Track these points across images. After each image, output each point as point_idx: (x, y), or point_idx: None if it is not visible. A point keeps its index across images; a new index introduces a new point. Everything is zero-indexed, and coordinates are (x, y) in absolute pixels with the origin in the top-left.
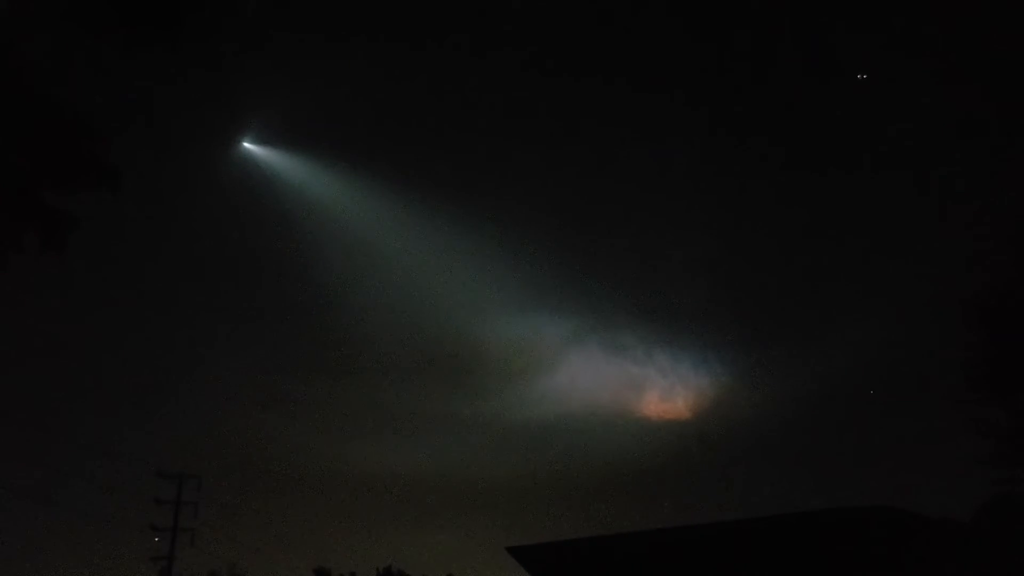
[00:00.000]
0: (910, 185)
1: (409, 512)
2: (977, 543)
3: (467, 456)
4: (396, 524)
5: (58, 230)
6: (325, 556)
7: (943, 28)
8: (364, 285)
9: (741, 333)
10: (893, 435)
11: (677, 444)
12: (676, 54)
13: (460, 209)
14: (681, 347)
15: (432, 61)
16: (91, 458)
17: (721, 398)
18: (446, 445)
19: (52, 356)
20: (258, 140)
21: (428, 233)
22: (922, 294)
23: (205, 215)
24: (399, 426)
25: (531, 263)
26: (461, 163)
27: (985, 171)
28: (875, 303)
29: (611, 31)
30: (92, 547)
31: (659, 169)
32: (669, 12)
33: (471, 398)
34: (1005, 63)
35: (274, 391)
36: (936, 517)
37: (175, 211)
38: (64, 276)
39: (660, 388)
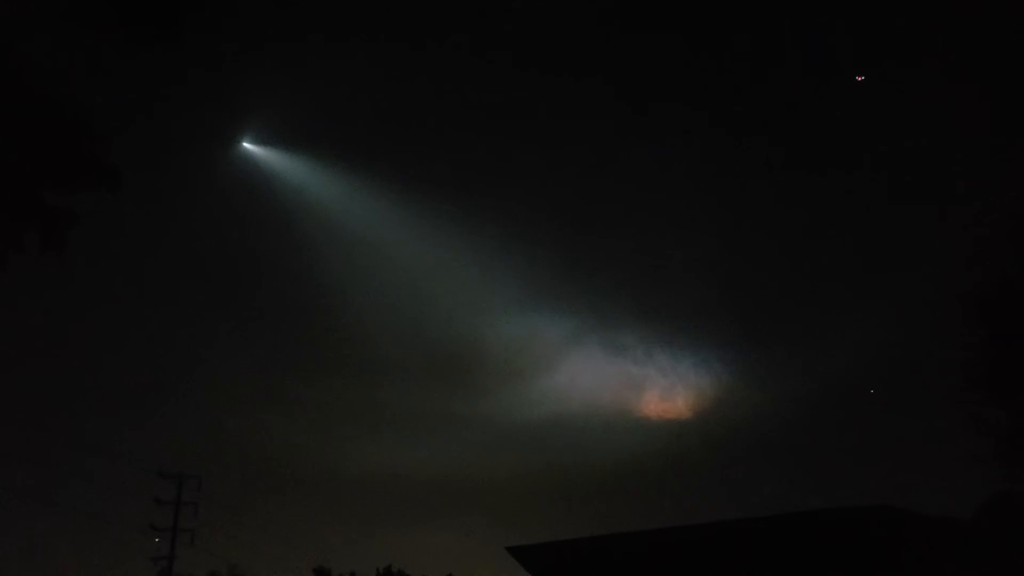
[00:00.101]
0: (910, 185)
1: (409, 512)
2: (977, 542)
3: (467, 456)
4: (396, 524)
5: (58, 228)
6: (325, 556)
7: (943, 28)
8: (364, 285)
9: (741, 333)
10: (893, 434)
11: (677, 444)
12: (676, 54)
13: (460, 209)
14: (681, 347)
15: (432, 61)
16: (91, 458)
17: (721, 398)
18: (446, 445)
19: (52, 356)
20: (258, 140)
21: (428, 233)
22: (922, 294)
23: (205, 215)
24: (399, 426)
25: (531, 263)
26: (461, 163)
27: (985, 171)
28: (875, 303)
29: (611, 31)
30: (92, 547)
31: (659, 169)
32: (669, 12)
33: (471, 398)
34: (1005, 63)
35: (274, 391)
36: (936, 516)
37: (175, 211)
38: (64, 276)
39: (660, 388)
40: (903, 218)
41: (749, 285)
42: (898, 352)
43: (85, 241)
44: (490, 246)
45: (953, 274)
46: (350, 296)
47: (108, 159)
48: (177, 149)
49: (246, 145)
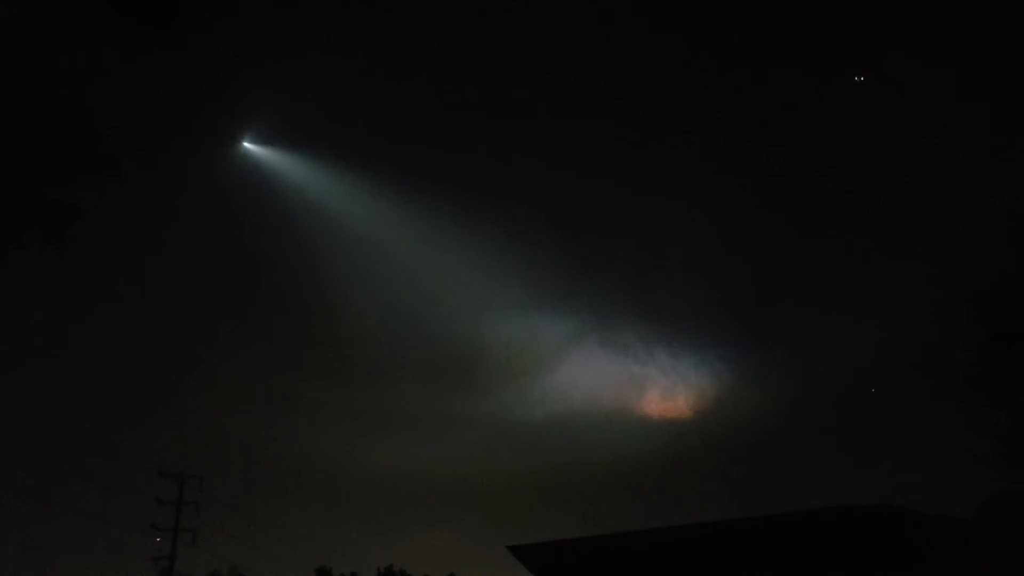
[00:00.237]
0: (909, 185)
1: (410, 511)
2: (977, 541)
3: (468, 456)
4: (397, 523)
5: (59, 223)
6: (326, 555)
7: (943, 28)
8: (364, 285)
9: (741, 333)
10: (893, 434)
11: (678, 443)
12: (676, 54)
13: (460, 209)
14: (682, 346)
15: (432, 61)
16: (91, 458)
17: (722, 397)
18: (446, 445)
19: (52, 356)
20: (258, 140)
21: (428, 233)
22: (922, 294)
23: (205, 215)
24: (399, 426)
25: (531, 263)
26: (461, 163)
27: (985, 171)
28: (875, 303)
29: (611, 31)
30: (93, 547)
31: (659, 169)
32: (669, 12)
33: (472, 397)
34: (1005, 63)
35: (274, 391)
36: (936, 516)
37: (175, 211)
38: (65, 277)
39: (661, 387)
40: (903, 218)
41: (749, 285)
42: (898, 352)
43: (85, 241)
44: (490, 246)
45: (953, 274)
46: (350, 296)
47: (106, 150)
48: (177, 149)
49: (246, 145)
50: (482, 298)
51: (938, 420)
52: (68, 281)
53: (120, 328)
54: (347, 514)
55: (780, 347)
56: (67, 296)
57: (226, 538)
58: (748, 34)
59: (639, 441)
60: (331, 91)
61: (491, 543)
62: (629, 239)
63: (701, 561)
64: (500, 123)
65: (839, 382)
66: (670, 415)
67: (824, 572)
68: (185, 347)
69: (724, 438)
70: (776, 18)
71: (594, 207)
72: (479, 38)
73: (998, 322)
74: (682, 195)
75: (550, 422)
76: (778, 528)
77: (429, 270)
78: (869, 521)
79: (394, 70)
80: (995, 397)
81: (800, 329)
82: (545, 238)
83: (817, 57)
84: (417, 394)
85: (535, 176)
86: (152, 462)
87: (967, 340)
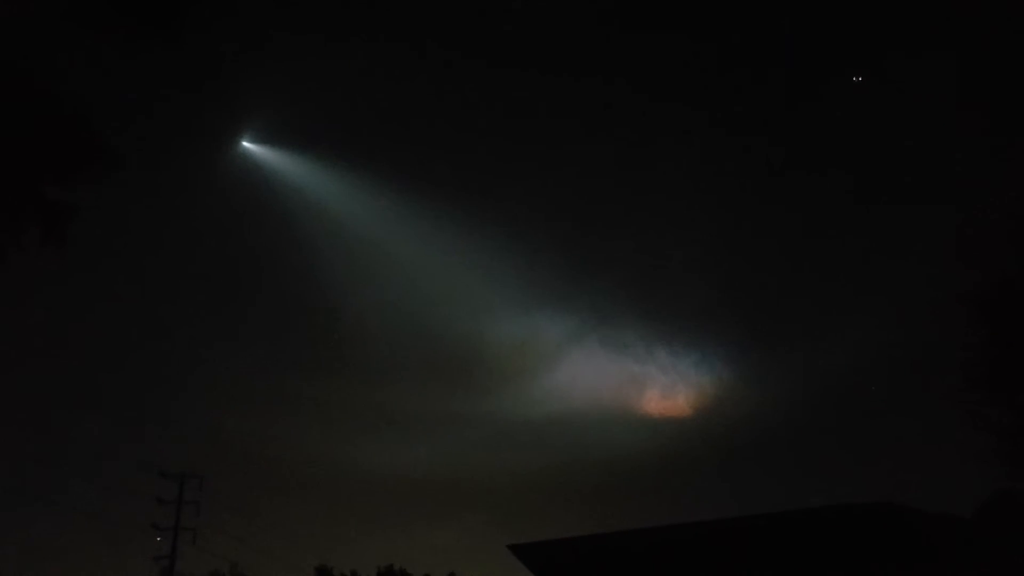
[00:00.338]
0: (909, 185)
1: (410, 511)
2: (978, 540)
3: (468, 455)
4: (397, 522)
5: (59, 222)
6: (327, 555)
7: (943, 28)
8: (364, 285)
9: (741, 332)
10: (893, 433)
11: (678, 442)
12: (676, 54)
13: (460, 209)
14: (682, 345)
15: (432, 61)
16: (91, 458)
17: (722, 396)
18: (447, 444)
19: (52, 356)
20: (258, 140)
21: (428, 233)
22: (922, 294)
23: (205, 215)
24: (399, 426)
25: (532, 263)
26: (461, 163)
27: (985, 171)
28: (875, 303)
29: (611, 31)
30: (94, 547)
31: (659, 169)
32: (669, 12)
33: (472, 397)
34: (1005, 63)
35: (274, 391)
36: (937, 514)
37: (175, 211)
38: (65, 277)
39: (661, 386)
40: (903, 218)
41: (749, 285)
42: (898, 352)
43: (86, 242)
44: (491, 246)
45: (953, 274)
46: (350, 296)
47: (109, 144)
48: (177, 149)
49: (246, 144)
50: (482, 298)
51: (938, 419)
52: (68, 281)
53: (120, 328)
54: (347, 513)
55: (780, 346)
56: (67, 296)
57: (226, 537)
58: (748, 34)
59: (639, 440)
60: (331, 91)
61: (491, 542)
62: (629, 239)
63: (701, 559)
64: (500, 123)
65: (839, 381)
66: (670, 414)
67: (825, 570)
68: (185, 347)
69: (724, 437)
70: (776, 18)
71: (594, 207)
72: (479, 38)
73: (998, 322)
74: (682, 195)
75: (550, 421)
76: (779, 526)
77: (429, 270)
78: (869, 519)
79: (394, 70)
80: (995, 397)
81: (800, 329)
82: (545, 238)
83: (817, 57)
84: (417, 394)
85: (535, 176)
86: (153, 462)
87: (967, 340)
